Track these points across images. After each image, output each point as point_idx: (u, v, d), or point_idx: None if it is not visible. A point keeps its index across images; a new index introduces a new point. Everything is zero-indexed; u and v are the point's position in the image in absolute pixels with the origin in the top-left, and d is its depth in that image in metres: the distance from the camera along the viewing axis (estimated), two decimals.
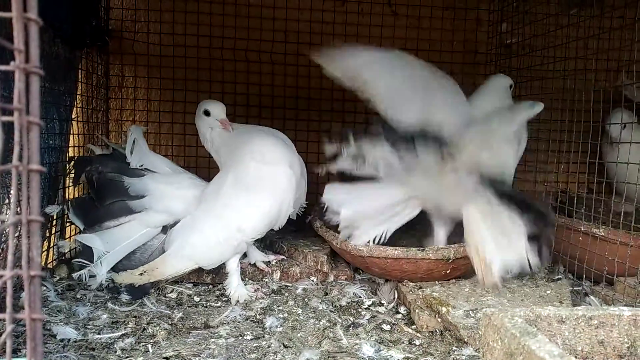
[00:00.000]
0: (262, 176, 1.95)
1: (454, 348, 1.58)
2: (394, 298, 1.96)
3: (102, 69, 2.71)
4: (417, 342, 1.63)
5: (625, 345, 1.04)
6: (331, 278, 2.15)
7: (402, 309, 1.89)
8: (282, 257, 2.23)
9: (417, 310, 1.77)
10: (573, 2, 2.55)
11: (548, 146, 2.51)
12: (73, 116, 2.38)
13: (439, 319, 1.70)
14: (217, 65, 2.76)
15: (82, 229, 2.04)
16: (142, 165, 2.08)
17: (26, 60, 0.65)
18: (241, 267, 2.04)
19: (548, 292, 1.87)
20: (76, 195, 2.29)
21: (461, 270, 1.98)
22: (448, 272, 1.95)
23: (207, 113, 2.08)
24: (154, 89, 2.79)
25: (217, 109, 2.08)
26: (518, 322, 0.94)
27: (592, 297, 1.93)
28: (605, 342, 1.03)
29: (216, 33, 2.74)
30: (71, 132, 2.35)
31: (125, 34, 2.74)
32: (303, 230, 2.41)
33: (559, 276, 2.10)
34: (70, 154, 2.35)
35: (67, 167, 2.22)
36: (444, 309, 1.68)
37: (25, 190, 0.66)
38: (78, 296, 1.92)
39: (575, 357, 1.02)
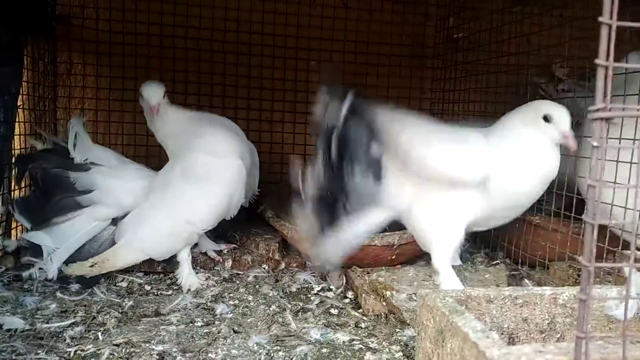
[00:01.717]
0: (211, 168, 1.97)
1: (397, 330, 1.66)
2: (343, 283, 2.03)
3: (49, 55, 2.64)
4: (362, 325, 1.71)
5: (546, 321, 1.13)
6: (282, 266, 2.21)
7: (349, 294, 1.96)
8: (233, 245, 2.26)
9: (363, 295, 1.84)
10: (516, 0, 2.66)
11: None
12: (19, 104, 2.32)
13: (384, 303, 1.77)
14: (168, 53, 2.74)
15: (29, 228, 2.01)
16: (86, 159, 2.06)
17: None
18: (192, 256, 2.07)
19: (487, 276, 1.98)
20: (21, 187, 2.24)
21: (406, 255, 2.06)
22: (394, 257, 2.03)
23: (142, 95, 2.06)
24: (103, 77, 2.74)
25: (148, 93, 2.05)
26: (449, 302, 1.01)
27: (527, 280, 2.05)
28: (529, 319, 1.13)
29: (167, 21, 2.71)
30: (17, 120, 2.29)
31: (74, 20, 2.68)
32: (255, 218, 2.44)
33: (498, 261, 2.22)
34: (16, 142, 2.29)
35: (12, 164, 2.17)
36: (388, 293, 1.76)
37: None
38: (25, 286, 1.90)
39: (502, 333, 1.11)
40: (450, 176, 1.65)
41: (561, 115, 1.65)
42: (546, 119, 1.66)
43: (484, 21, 2.64)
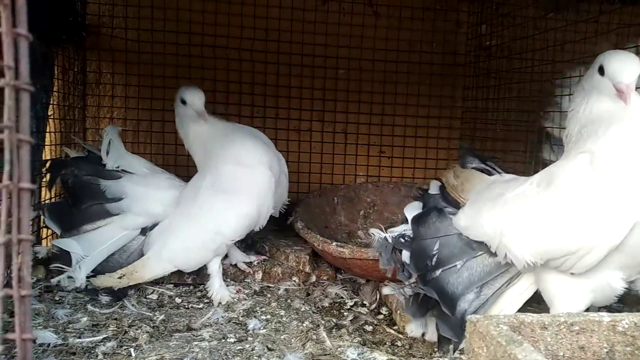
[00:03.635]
0: (240, 178, 1.94)
1: (436, 349, 1.60)
2: (376, 299, 1.98)
3: (79, 65, 2.65)
4: (399, 344, 1.66)
5: (604, 350, 1.07)
6: (313, 278, 2.16)
7: (383, 310, 1.91)
8: (263, 257, 2.23)
9: (399, 311, 1.79)
10: (550, 7, 2.59)
11: (525, 147, 2.55)
12: (49, 113, 2.32)
13: None
14: (196, 62, 2.72)
15: (59, 234, 2.00)
16: (118, 167, 2.06)
17: (16, 76, 0.63)
18: (223, 268, 2.04)
19: None
20: (52, 195, 2.24)
21: None
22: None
23: (183, 101, 2.01)
24: (132, 86, 2.74)
25: (194, 98, 2.00)
26: (503, 329, 0.96)
27: None
28: (586, 347, 1.06)
29: (196, 30, 2.70)
30: (47, 130, 2.30)
31: (103, 30, 2.69)
32: (285, 229, 2.41)
33: None
34: (47, 152, 2.30)
35: (43, 169, 2.17)
36: None
37: (15, 208, 0.64)
38: (56, 298, 1.88)
39: None
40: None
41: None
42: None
43: (517, 28, 2.57)
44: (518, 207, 1.51)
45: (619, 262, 1.38)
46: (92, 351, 1.52)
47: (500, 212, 1.54)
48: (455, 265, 1.58)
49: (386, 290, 1.71)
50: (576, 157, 1.43)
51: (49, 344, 1.53)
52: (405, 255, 1.61)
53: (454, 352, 1.54)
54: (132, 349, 1.53)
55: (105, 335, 1.62)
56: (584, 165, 1.39)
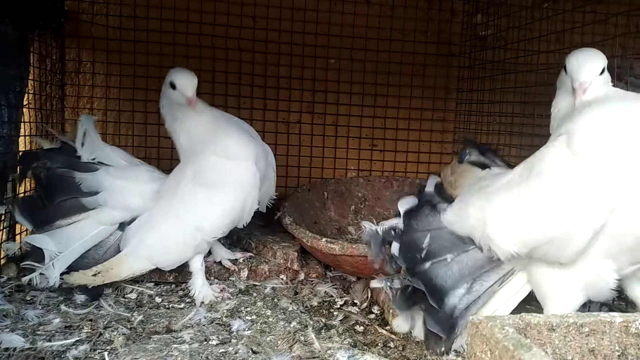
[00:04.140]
0: (223, 172, 1.83)
1: (426, 349, 1.51)
2: (367, 297, 1.88)
3: (57, 52, 2.53)
4: (392, 345, 1.56)
5: (616, 353, 0.98)
6: (302, 276, 2.07)
7: (375, 309, 1.82)
8: (249, 254, 2.13)
9: (391, 311, 1.70)
10: None
11: (520, 140, 2.48)
12: (24, 103, 2.21)
13: None
14: (181, 51, 2.60)
15: (31, 230, 1.89)
16: (94, 159, 1.95)
17: None
18: (206, 266, 1.94)
19: None
20: (28, 189, 2.12)
21: None
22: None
23: (173, 85, 1.86)
24: (113, 75, 2.62)
25: (185, 83, 1.83)
26: (509, 332, 0.87)
27: None
28: (596, 350, 0.98)
29: (180, 17, 2.59)
30: (22, 120, 2.18)
31: (83, 16, 2.57)
32: (272, 225, 2.31)
33: None
34: (21, 143, 2.18)
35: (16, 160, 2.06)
36: None
37: None
38: (28, 298, 1.77)
39: None
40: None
41: None
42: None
43: (513, 18, 2.49)
44: (500, 197, 1.49)
45: (606, 249, 1.32)
46: (63, 355, 1.41)
47: (483, 203, 1.52)
48: (446, 258, 1.54)
49: (374, 284, 1.64)
50: (555, 140, 1.42)
51: (15, 349, 1.42)
52: (395, 247, 1.57)
53: (448, 353, 1.45)
54: (105, 353, 1.43)
55: (77, 338, 1.51)
56: (561, 148, 1.37)
